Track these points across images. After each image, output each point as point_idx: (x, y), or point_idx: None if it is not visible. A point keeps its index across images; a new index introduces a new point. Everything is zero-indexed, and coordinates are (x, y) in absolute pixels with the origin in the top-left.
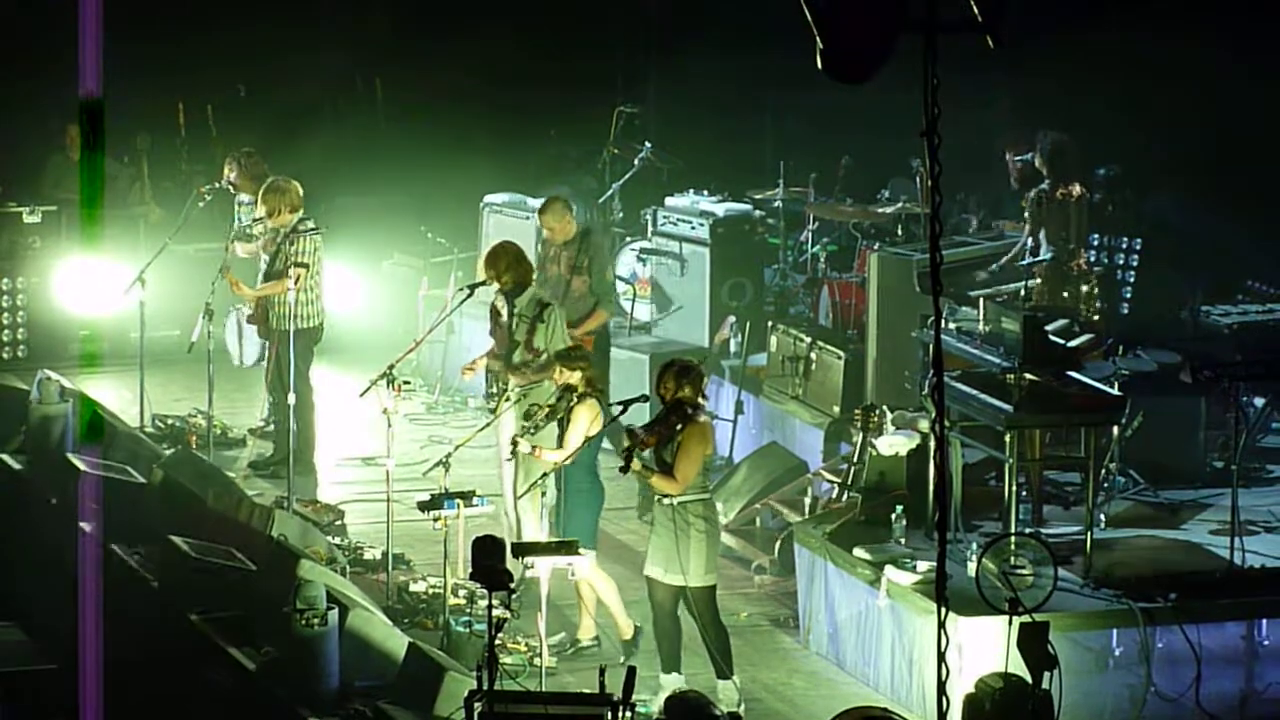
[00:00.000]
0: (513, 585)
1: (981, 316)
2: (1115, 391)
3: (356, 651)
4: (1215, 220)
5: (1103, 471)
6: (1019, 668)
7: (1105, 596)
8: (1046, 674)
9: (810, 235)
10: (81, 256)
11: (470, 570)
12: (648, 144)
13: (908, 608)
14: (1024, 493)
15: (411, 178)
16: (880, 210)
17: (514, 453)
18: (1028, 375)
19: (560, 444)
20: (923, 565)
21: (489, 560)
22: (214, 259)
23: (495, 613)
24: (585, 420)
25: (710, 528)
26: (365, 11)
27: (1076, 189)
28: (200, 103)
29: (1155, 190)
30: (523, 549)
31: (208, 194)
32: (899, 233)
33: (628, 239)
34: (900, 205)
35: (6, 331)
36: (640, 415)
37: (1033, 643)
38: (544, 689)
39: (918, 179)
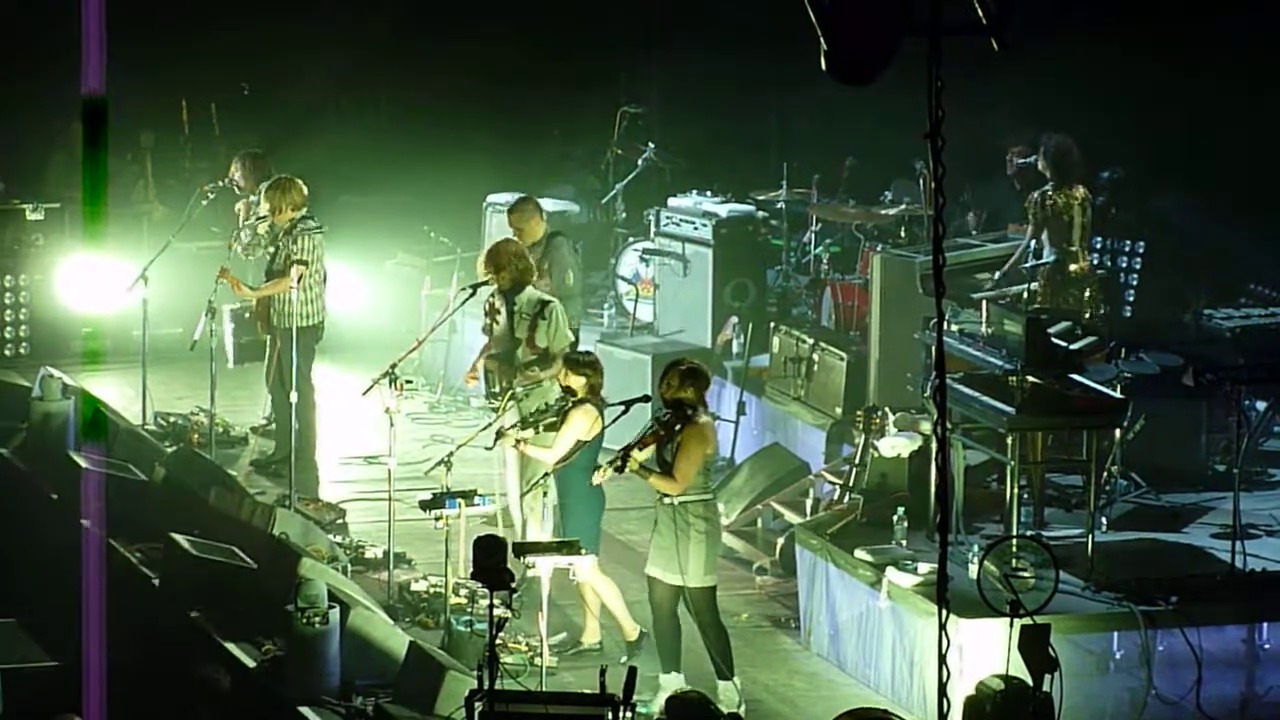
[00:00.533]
0: (514, 585)
1: (984, 319)
2: (1117, 394)
3: (357, 650)
4: (1218, 223)
5: (1104, 474)
6: (1020, 670)
7: (1106, 599)
8: (1047, 676)
9: (813, 236)
10: (84, 254)
11: (471, 569)
12: (651, 144)
13: (909, 609)
14: (1026, 495)
15: (415, 177)
16: (883, 212)
17: (495, 443)
18: (1030, 378)
19: (552, 445)
20: (924, 567)
21: (490, 559)
22: (217, 257)
23: (496, 612)
24: (579, 424)
25: (710, 528)
26: (368, 11)
27: (1080, 191)
28: (204, 101)
29: (1158, 193)
30: (524, 548)
31: (210, 192)
32: (902, 234)
33: (631, 239)
34: (903, 207)
35: (9, 328)
36: (642, 415)
37: (1034, 645)
38: (545, 689)
39: (921, 181)
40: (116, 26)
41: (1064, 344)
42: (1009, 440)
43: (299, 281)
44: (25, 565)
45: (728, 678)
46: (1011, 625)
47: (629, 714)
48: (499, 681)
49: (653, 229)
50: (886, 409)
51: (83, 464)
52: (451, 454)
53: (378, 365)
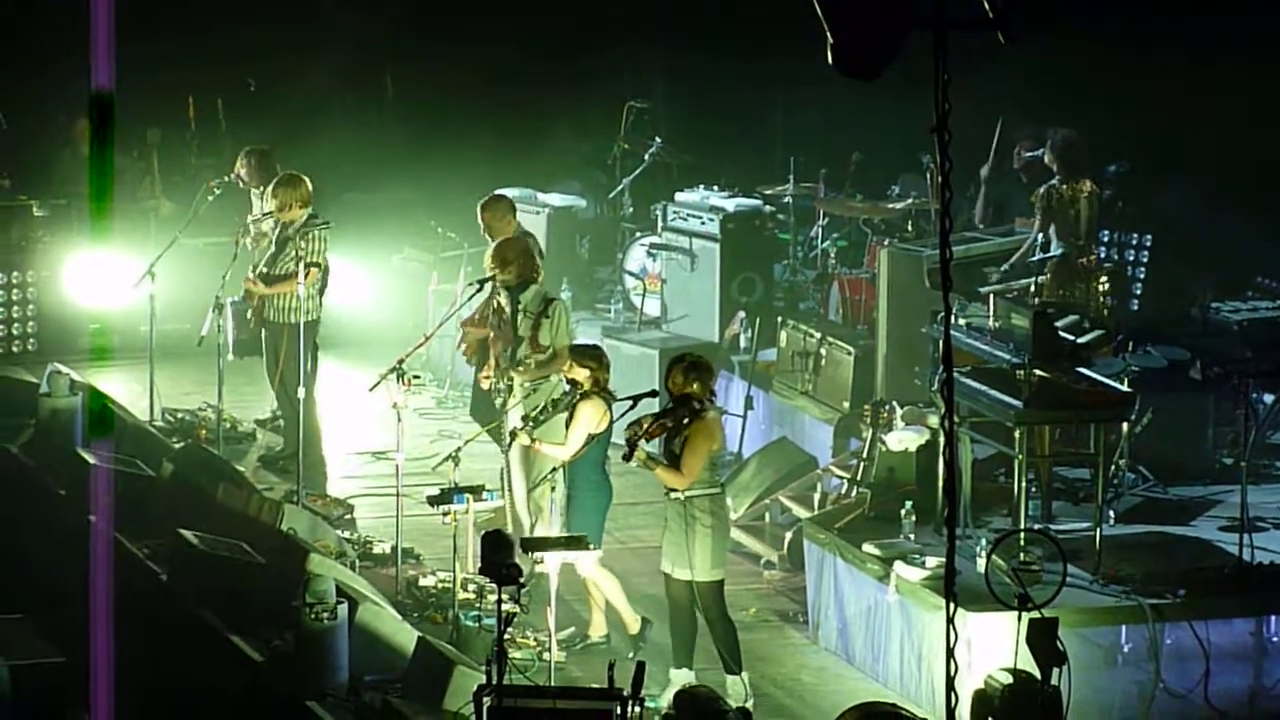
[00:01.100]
0: (522, 580)
1: (991, 312)
2: (1125, 388)
3: (365, 645)
4: (1225, 216)
5: (1112, 468)
6: (1028, 664)
7: (1114, 593)
8: (1055, 670)
9: (820, 231)
10: (91, 250)
11: (480, 565)
12: (658, 139)
13: (917, 603)
14: (1033, 489)
15: (421, 173)
16: (890, 206)
17: (510, 443)
18: (1037, 371)
19: (563, 441)
20: (932, 561)
21: (498, 555)
22: (224, 253)
23: (504, 607)
24: (588, 417)
25: (717, 523)
26: (373, 7)
27: (1087, 185)
28: (210, 97)
29: (1165, 187)
30: (532, 544)
31: (217, 188)
32: (909, 228)
33: (638, 234)
34: (910, 201)
35: (16, 325)
36: (650, 410)
37: (1042, 639)
38: (553, 684)
39: (928, 175)
40: (123, 23)
41: (1071, 337)
42: (1016, 434)
43: (307, 278)
44: (33, 561)
45: (735, 672)
46: (1019, 619)
47: (637, 709)
48: (507, 676)
49: (660, 224)
50: (894, 403)
51: (90, 460)
52: (459, 449)
53: (385, 361)
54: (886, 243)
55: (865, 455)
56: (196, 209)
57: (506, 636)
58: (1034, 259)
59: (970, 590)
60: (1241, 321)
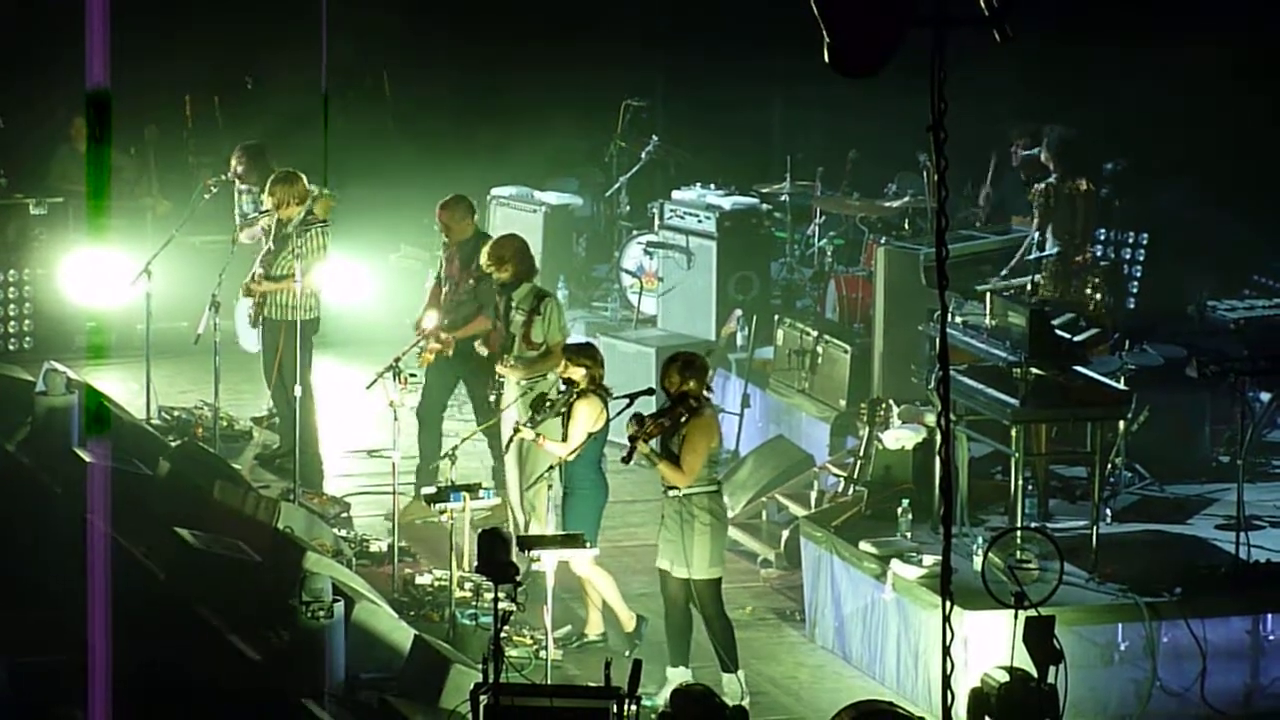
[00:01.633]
0: (519, 578)
1: (988, 311)
2: (1121, 386)
3: (362, 644)
4: (1222, 215)
5: (1109, 466)
6: (1024, 662)
7: (1111, 591)
8: (1052, 668)
9: (817, 229)
10: (88, 248)
11: (476, 563)
12: (655, 138)
13: (913, 601)
14: (1030, 487)
15: (418, 170)
16: (887, 204)
17: (511, 440)
18: (1034, 370)
19: (563, 439)
20: (928, 559)
21: (495, 553)
22: (221, 251)
23: (501, 605)
24: (586, 416)
25: (715, 521)
26: (372, 4)
27: (1083, 184)
28: (207, 95)
29: (1161, 185)
30: (529, 542)
31: (214, 186)
32: (906, 227)
33: (635, 232)
34: (907, 199)
35: (13, 323)
36: (646, 408)
37: (1038, 637)
38: (549, 682)
39: (924, 173)
40: (120, 21)
41: (1068, 336)
42: (1013, 432)
43: (304, 277)
44: (30, 560)
45: (732, 670)
46: (1016, 617)
47: (634, 707)
48: (504, 675)
49: (657, 222)
50: (890, 401)
51: (87, 458)
52: (456, 448)
53: (381, 359)
54: (883, 241)
55: (862, 453)
56: (194, 207)
57: (503, 635)
58: (1030, 257)
59: (967, 588)
60: (1238, 319)
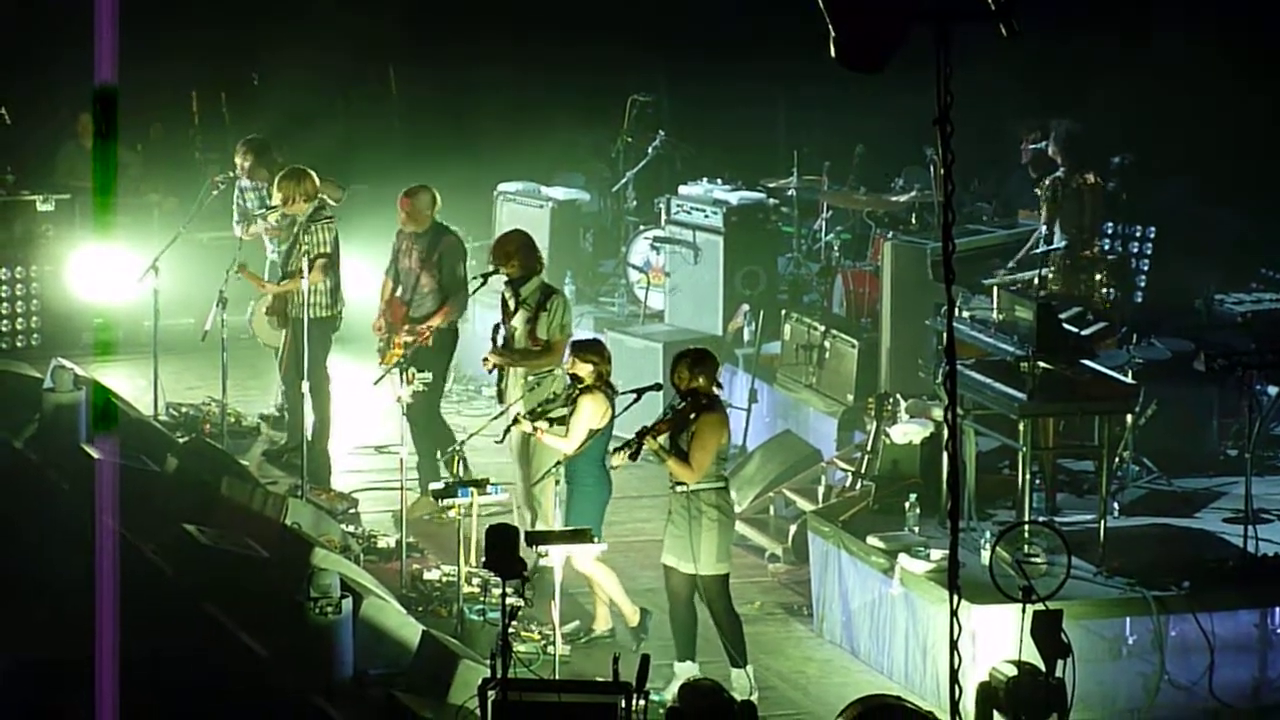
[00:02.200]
0: (526, 573)
1: (995, 305)
2: (1129, 380)
3: (370, 640)
4: (1229, 209)
5: (1116, 460)
6: (1032, 656)
7: (1119, 585)
8: (1060, 662)
9: (824, 224)
10: (95, 245)
11: (484, 558)
12: (662, 133)
13: (921, 596)
14: (1038, 481)
15: (425, 166)
16: (894, 199)
17: (509, 429)
18: (1041, 363)
19: (566, 434)
20: (936, 553)
21: (503, 548)
22: (228, 247)
23: (509, 601)
24: (590, 411)
25: (723, 517)
26: (377, 3)
27: (1091, 177)
28: (213, 92)
29: (1168, 179)
30: (537, 537)
31: (221, 183)
32: (913, 221)
33: (641, 227)
34: (914, 194)
35: (20, 320)
36: (654, 403)
37: (1046, 631)
38: (557, 677)
39: (931, 168)
40: (126, 18)
41: (1075, 330)
42: (1021, 426)
43: (312, 273)
44: (38, 557)
45: (740, 665)
46: (1024, 611)
47: (642, 702)
48: (512, 670)
49: (663, 217)
50: (898, 395)
51: (95, 455)
52: (463, 443)
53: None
54: (890, 235)
55: (869, 448)
56: (200, 204)
57: (511, 630)
58: (1038, 251)
59: (975, 583)
60: (1245, 313)
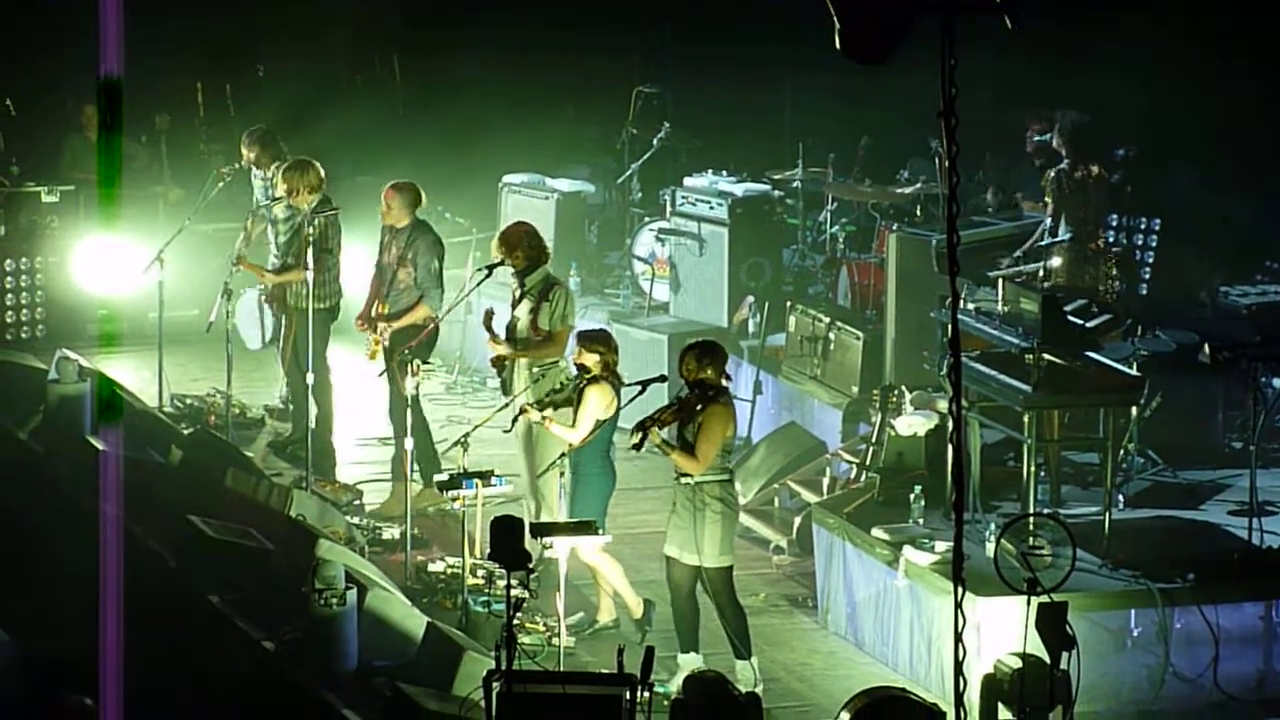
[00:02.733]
0: (531, 565)
1: (1000, 297)
2: (1134, 372)
3: (375, 631)
4: (1234, 200)
5: (1121, 452)
6: (1037, 648)
7: (1124, 577)
8: (1065, 654)
9: (829, 216)
10: (100, 236)
11: (489, 550)
12: (666, 124)
13: (926, 588)
14: (1042, 473)
15: (430, 158)
16: (899, 191)
17: (517, 419)
18: (1046, 355)
19: (572, 424)
20: (941, 545)
21: (507, 540)
22: (233, 239)
23: (514, 593)
24: (597, 402)
25: (727, 509)
26: None
27: (1095, 169)
28: (218, 83)
29: (1173, 170)
30: (541, 529)
31: (227, 175)
32: (918, 213)
33: (646, 219)
34: (919, 186)
35: (25, 311)
36: (659, 395)
37: (1051, 623)
38: (562, 669)
39: (936, 159)
40: (131, 8)
41: (1080, 322)
42: (1025, 418)
43: (316, 264)
44: (42, 548)
45: (745, 657)
46: (1029, 603)
47: (646, 693)
48: (516, 662)
49: (668, 209)
50: (903, 387)
51: (99, 446)
52: (468, 434)
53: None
54: (895, 227)
55: (874, 440)
56: (206, 195)
57: (515, 622)
58: (1043, 243)
59: (979, 575)
60: (1250, 305)
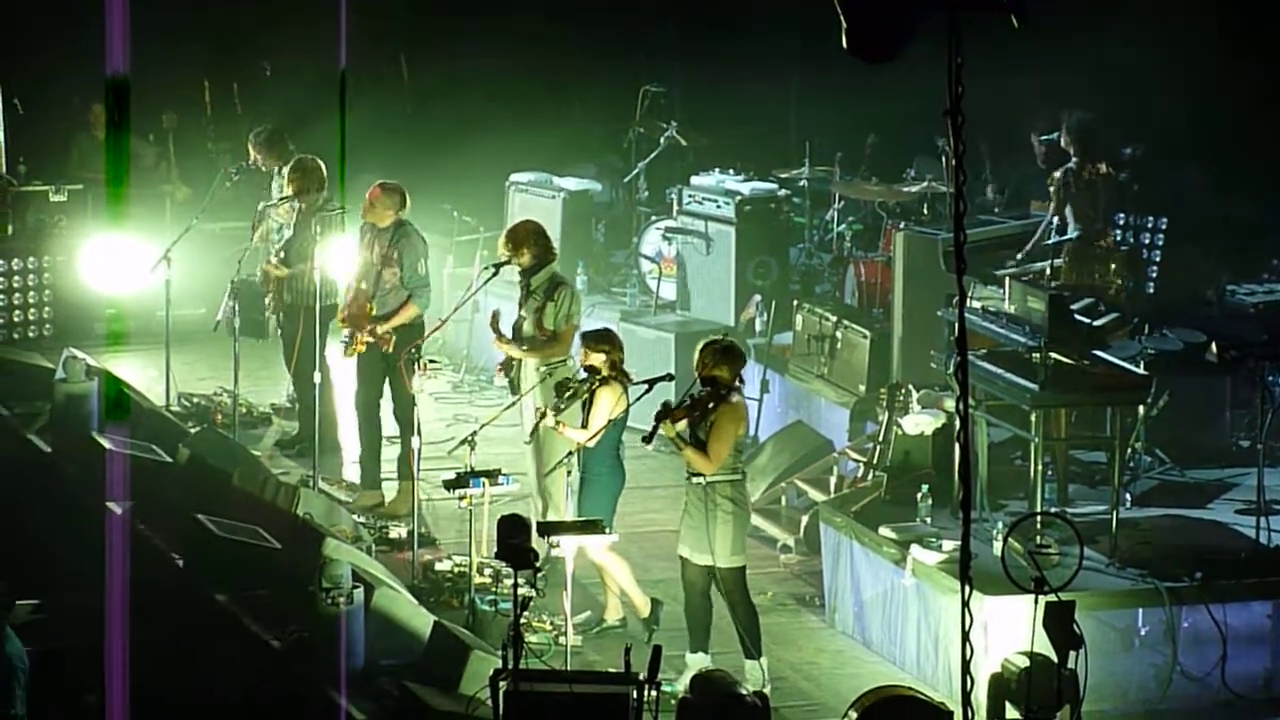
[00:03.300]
0: (538, 564)
1: (1007, 295)
2: (1141, 370)
3: (382, 630)
4: (1241, 199)
5: (1128, 451)
6: (1045, 647)
7: (1131, 576)
8: (1072, 653)
9: (836, 214)
10: (107, 235)
11: (496, 549)
12: (673, 123)
13: (933, 587)
14: (1050, 472)
15: (437, 156)
16: (906, 189)
17: (537, 426)
18: (1053, 354)
19: (584, 425)
20: (948, 544)
21: (514, 539)
22: (241, 238)
23: (520, 591)
24: (608, 402)
25: (738, 509)
26: None
27: (1103, 168)
28: (226, 81)
29: (1181, 169)
30: (548, 528)
31: (235, 174)
32: (925, 212)
33: (653, 218)
34: (926, 184)
35: (33, 310)
36: (665, 394)
37: (1058, 622)
38: (569, 668)
39: (943, 158)
40: (138, 7)
41: (1087, 320)
42: (1033, 417)
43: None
44: (49, 546)
45: (755, 657)
46: (1036, 602)
47: (653, 692)
48: (523, 661)
49: (675, 207)
50: (910, 386)
51: (106, 445)
52: (475, 433)
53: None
54: (902, 226)
55: (881, 438)
56: (213, 194)
57: (522, 621)
58: (1050, 242)
59: (987, 573)
60: (1257, 304)
